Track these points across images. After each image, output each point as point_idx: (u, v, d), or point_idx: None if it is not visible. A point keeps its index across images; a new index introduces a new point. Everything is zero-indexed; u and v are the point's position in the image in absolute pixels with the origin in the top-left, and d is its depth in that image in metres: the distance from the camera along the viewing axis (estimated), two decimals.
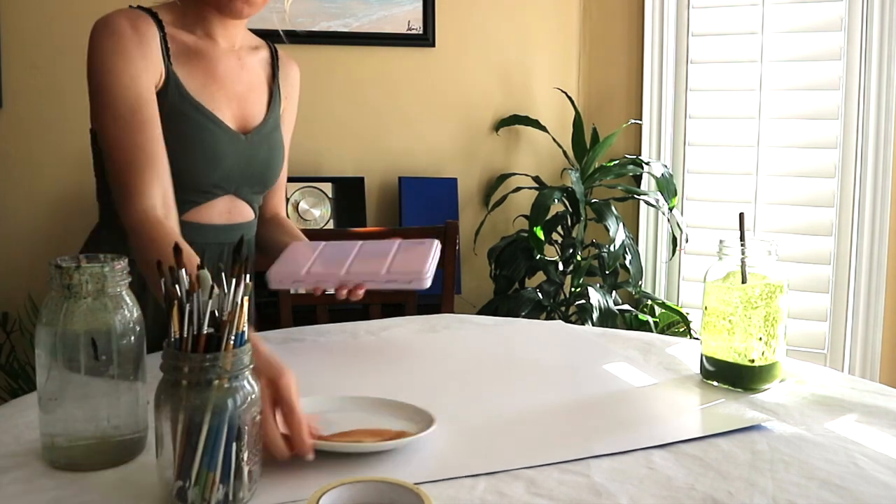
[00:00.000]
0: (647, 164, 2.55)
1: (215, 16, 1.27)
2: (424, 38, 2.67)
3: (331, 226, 2.53)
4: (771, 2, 2.53)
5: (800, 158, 2.54)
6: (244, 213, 1.36)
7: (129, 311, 0.82)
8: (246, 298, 0.73)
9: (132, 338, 0.82)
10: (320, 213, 2.53)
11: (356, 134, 2.68)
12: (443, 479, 0.78)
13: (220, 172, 1.28)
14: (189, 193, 1.26)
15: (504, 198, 2.61)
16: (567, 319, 2.47)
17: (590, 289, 2.40)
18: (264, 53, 1.41)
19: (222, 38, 1.31)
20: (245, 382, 0.73)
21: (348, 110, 2.67)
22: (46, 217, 2.48)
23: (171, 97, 1.22)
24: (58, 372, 0.80)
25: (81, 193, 2.48)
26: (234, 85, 1.31)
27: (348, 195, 2.59)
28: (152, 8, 1.26)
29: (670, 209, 2.50)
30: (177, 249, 0.75)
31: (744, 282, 1.05)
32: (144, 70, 1.18)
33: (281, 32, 1.45)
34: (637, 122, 2.73)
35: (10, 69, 2.41)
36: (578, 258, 2.50)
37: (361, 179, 2.62)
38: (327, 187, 2.55)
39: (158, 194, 1.15)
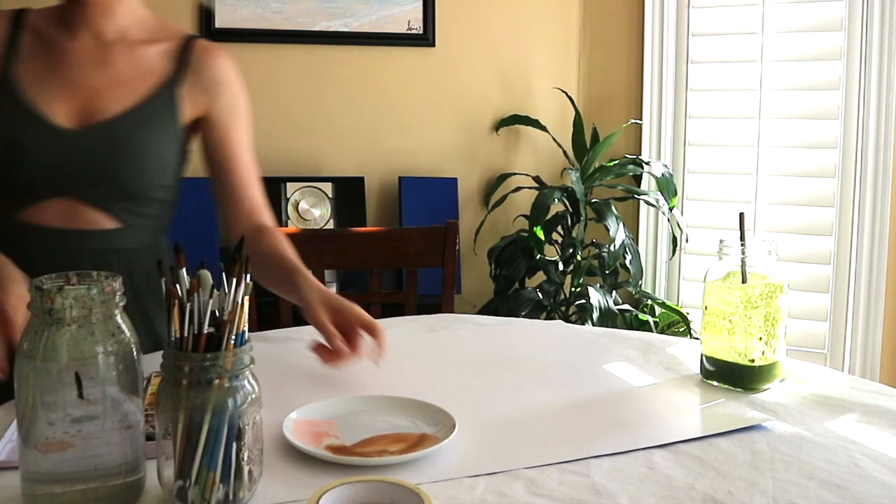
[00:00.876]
0: (647, 163, 2.55)
1: (75, 7, 1.20)
2: (424, 38, 2.67)
3: (331, 226, 2.53)
4: (771, 2, 2.53)
5: (800, 158, 2.54)
6: (93, 219, 1.22)
7: (120, 340, 0.72)
8: (246, 298, 0.73)
9: (125, 371, 0.72)
10: (320, 213, 2.53)
11: (356, 134, 2.68)
12: (443, 480, 0.78)
13: (32, 170, 1.18)
14: (10, 191, 1.20)
15: (504, 198, 2.62)
16: (567, 319, 2.47)
17: (590, 289, 2.40)
18: (166, 45, 1.28)
19: (86, 31, 1.23)
20: (245, 382, 0.72)
21: (348, 110, 2.67)
22: None
23: (2, 94, 1.19)
24: (39, 410, 0.70)
25: None
26: (85, 77, 1.21)
27: (348, 195, 2.59)
28: (31, 8, 1.24)
29: (670, 209, 2.50)
30: (176, 249, 0.75)
31: (744, 282, 1.05)
32: None
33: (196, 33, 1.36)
34: (637, 121, 2.73)
35: None
36: (578, 258, 2.50)
37: (361, 179, 2.62)
38: (327, 187, 2.55)
39: None
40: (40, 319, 0.70)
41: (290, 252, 1.24)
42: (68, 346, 0.70)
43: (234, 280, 0.73)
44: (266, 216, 1.33)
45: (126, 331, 0.73)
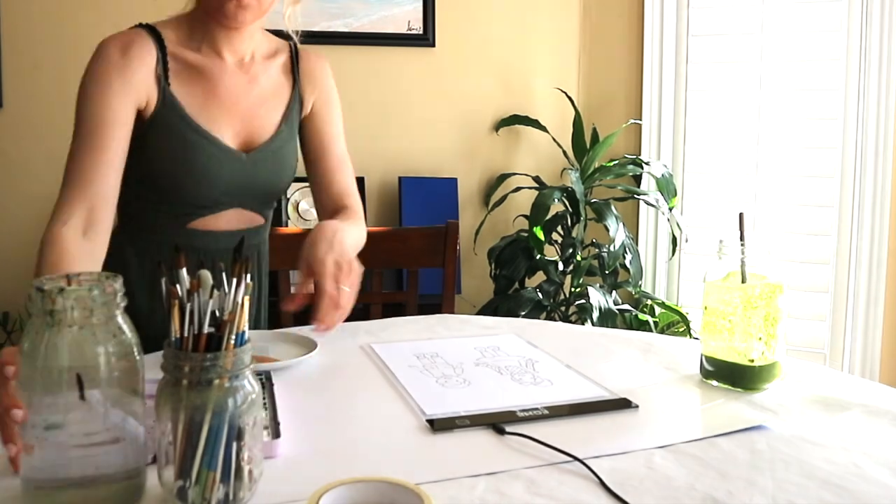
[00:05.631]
0: (647, 164, 2.55)
1: (220, 30, 1.28)
2: (424, 38, 2.67)
3: None
4: (771, 2, 2.53)
5: (800, 158, 2.54)
6: (253, 220, 1.38)
7: (122, 341, 0.72)
8: (247, 298, 0.73)
9: (126, 372, 0.72)
10: None
11: (356, 134, 2.66)
12: (443, 479, 0.78)
13: (218, 190, 1.30)
14: (189, 207, 1.30)
15: (504, 198, 2.62)
16: (567, 319, 2.47)
17: (590, 289, 2.40)
18: (282, 58, 1.40)
19: (229, 53, 1.31)
20: (245, 382, 0.72)
21: (348, 110, 2.64)
22: (46, 217, 2.47)
23: (168, 118, 1.25)
24: (39, 412, 0.69)
25: None
26: (239, 102, 1.31)
27: None
28: (158, 26, 1.27)
29: (670, 209, 2.50)
30: (176, 249, 0.75)
31: (744, 282, 1.05)
32: (122, 96, 1.21)
33: (292, 33, 1.42)
34: (637, 122, 2.73)
35: (10, 69, 2.41)
36: (578, 258, 2.50)
37: (361, 179, 2.62)
38: None
39: (80, 215, 1.16)
40: (41, 321, 0.69)
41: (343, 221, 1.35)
42: (69, 347, 0.69)
43: (235, 280, 0.73)
44: (351, 200, 1.45)
45: (127, 332, 0.73)
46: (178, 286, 0.72)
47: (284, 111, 1.37)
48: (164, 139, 1.25)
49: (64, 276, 0.73)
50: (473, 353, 1.21)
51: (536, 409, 0.96)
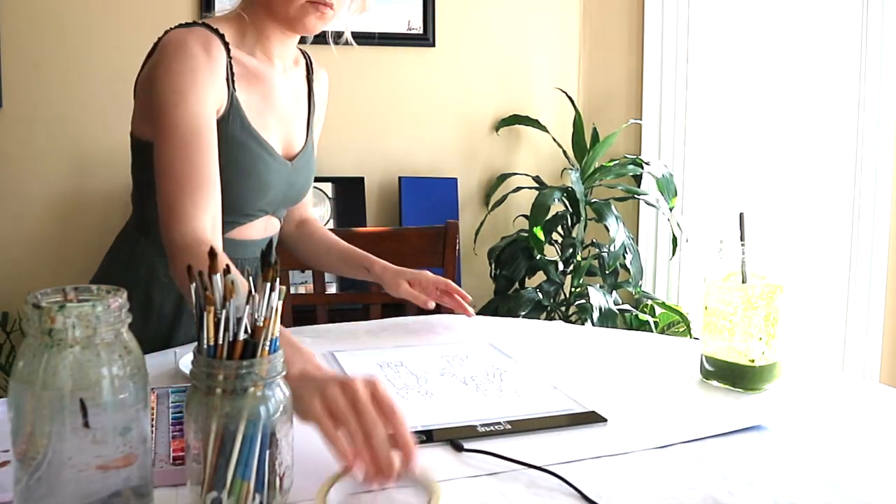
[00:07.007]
0: (647, 164, 2.55)
1: (277, 34, 1.25)
2: (424, 38, 2.67)
3: (331, 226, 2.53)
4: (772, 2, 2.53)
5: (800, 159, 2.54)
6: (275, 227, 1.40)
7: (128, 361, 0.66)
8: (280, 303, 0.70)
9: (133, 394, 0.66)
10: (320, 213, 2.53)
11: (356, 134, 2.68)
12: (443, 480, 0.78)
13: (267, 199, 1.29)
14: (234, 216, 1.27)
15: (504, 198, 2.62)
16: (567, 319, 2.47)
17: (590, 289, 2.40)
18: (301, 66, 1.41)
19: (279, 59, 1.30)
20: (277, 390, 0.70)
21: (348, 110, 2.67)
22: (46, 217, 2.48)
23: (233, 125, 1.20)
24: (37, 441, 0.63)
25: (81, 193, 2.48)
26: (284, 108, 1.31)
27: (348, 195, 2.59)
28: (216, 26, 1.21)
29: (670, 209, 2.50)
30: (211, 254, 0.70)
31: (744, 282, 1.05)
32: (211, 96, 1.15)
33: (330, 37, 1.41)
34: (637, 121, 2.73)
35: (10, 69, 2.41)
36: (578, 258, 2.50)
37: (361, 179, 2.62)
38: (327, 187, 2.55)
39: (209, 218, 1.11)
40: (38, 341, 0.63)
41: (342, 241, 1.48)
42: (71, 370, 0.63)
43: (269, 284, 0.69)
44: (309, 210, 1.55)
45: (134, 349, 0.67)
46: (212, 292, 0.68)
47: (307, 118, 1.38)
48: (226, 148, 1.18)
49: (60, 290, 0.67)
50: (439, 362, 1.16)
51: (499, 423, 0.91)
